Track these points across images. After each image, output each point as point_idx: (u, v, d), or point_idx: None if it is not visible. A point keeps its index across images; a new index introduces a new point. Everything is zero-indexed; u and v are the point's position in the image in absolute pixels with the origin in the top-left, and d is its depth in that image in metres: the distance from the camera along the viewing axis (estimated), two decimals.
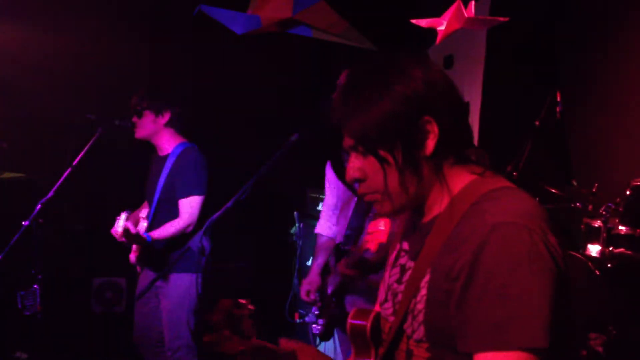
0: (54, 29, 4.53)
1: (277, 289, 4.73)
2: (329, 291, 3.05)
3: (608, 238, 3.46)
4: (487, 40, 4.65)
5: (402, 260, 1.35)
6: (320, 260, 3.25)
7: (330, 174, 3.34)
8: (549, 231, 1.14)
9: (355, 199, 3.04)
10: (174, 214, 3.48)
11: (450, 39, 3.53)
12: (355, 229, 3.00)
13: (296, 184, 5.09)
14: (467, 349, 1.11)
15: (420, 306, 1.22)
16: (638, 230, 3.37)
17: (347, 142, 1.28)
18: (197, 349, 3.46)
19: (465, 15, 3.10)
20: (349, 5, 4.02)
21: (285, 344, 1.42)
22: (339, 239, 3.10)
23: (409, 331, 1.25)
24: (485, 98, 4.60)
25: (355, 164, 1.28)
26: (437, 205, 1.27)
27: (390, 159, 1.23)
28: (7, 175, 4.21)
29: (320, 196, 5.03)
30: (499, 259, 1.10)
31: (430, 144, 1.22)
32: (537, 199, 3.85)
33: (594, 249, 3.53)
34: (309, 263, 4.92)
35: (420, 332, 1.22)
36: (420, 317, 1.21)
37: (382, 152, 1.24)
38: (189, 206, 3.43)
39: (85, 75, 4.60)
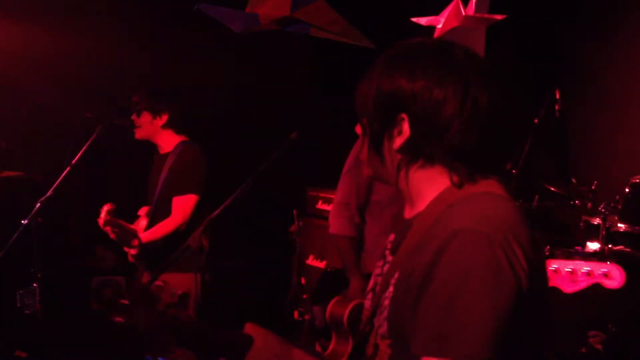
0: (53, 27, 4.53)
1: (276, 287, 4.73)
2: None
3: (607, 236, 3.47)
4: (486, 38, 4.65)
5: (387, 252, 1.38)
6: (357, 262, 2.95)
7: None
8: (515, 244, 1.10)
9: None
10: None
11: (449, 37, 3.52)
12: None
13: (295, 182, 5.08)
14: (415, 352, 1.11)
15: (386, 302, 1.23)
16: (637, 228, 3.37)
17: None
18: None
19: (463, 13, 3.10)
20: (348, 3, 4.01)
21: (250, 329, 1.38)
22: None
23: (376, 325, 1.28)
24: None
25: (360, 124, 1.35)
26: (418, 203, 1.27)
27: (367, 129, 1.29)
28: (7, 174, 4.21)
29: (320, 194, 5.03)
30: (453, 268, 1.08)
31: (398, 141, 1.24)
32: (519, 203, 3.86)
33: (593, 247, 3.54)
34: (308, 261, 4.92)
35: (384, 328, 1.24)
36: (385, 314, 1.23)
37: (364, 120, 1.30)
38: (183, 205, 3.43)
39: (85, 74, 4.60)
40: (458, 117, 1.19)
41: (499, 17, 3.21)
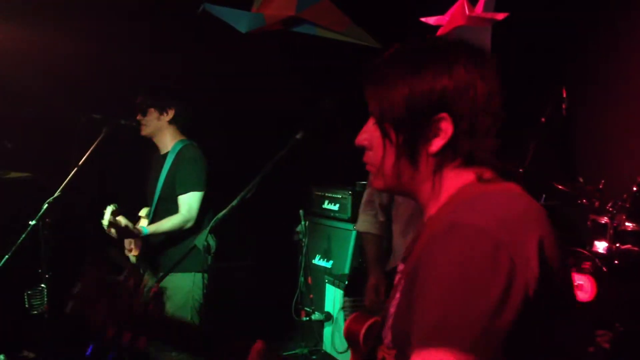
0: (59, 29, 4.54)
1: (283, 287, 4.74)
2: None
3: (615, 234, 3.46)
4: (492, 37, 4.64)
5: (400, 262, 1.31)
6: (378, 259, 3.08)
7: None
8: (527, 243, 1.01)
9: None
10: (174, 211, 3.49)
11: (455, 36, 3.52)
12: None
13: (301, 182, 5.09)
14: (413, 349, 1.01)
15: (391, 310, 1.17)
16: None
17: (369, 105, 1.24)
18: None
19: (467, 12, 3.09)
20: (353, 3, 4.01)
21: (257, 345, 1.33)
22: None
23: (384, 336, 1.20)
24: None
25: (366, 131, 1.25)
26: (433, 205, 1.20)
27: (392, 137, 1.19)
28: (14, 175, 4.23)
29: (326, 194, 5.03)
30: (448, 260, 1.00)
31: (438, 143, 1.15)
32: (543, 200, 3.85)
33: (600, 246, 3.53)
34: (314, 261, 4.92)
35: (389, 338, 1.17)
36: (390, 322, 1.17)
37: (388, 127, 1.19)
38: (188, 202, 3.43)
39: (91, 75, 4.61)
40: (502, 112, 1.16)
41: (501, 16, 3.20)
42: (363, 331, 1.44)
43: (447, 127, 1.14)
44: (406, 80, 1.16)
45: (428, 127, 1.15)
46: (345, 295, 4.08)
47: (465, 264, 0.98)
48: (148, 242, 3.44)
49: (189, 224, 3.41)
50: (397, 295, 1.15)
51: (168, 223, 3.40)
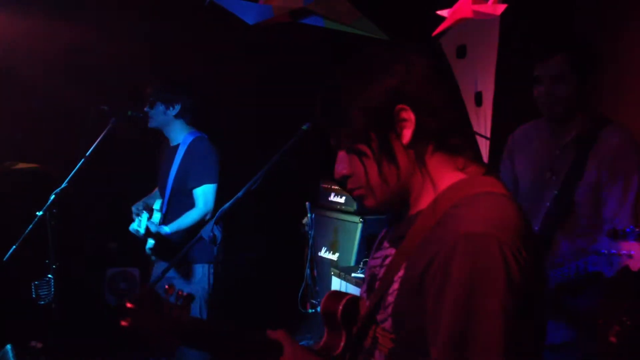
0: (67, 21, 4.56)
1: (289, 279, 4.74)
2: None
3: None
4: (500, 30, 4.62)
5: (386, 244, 1.38)
6: None
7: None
8: (522, 246, 1.12)
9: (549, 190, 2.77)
10: (188, 204, 3.51)
11: (463, 29, 3.51)
12: None
13: (308, 174, 5.08)
14: (433, 357, 1.13)
15: (390, 299, 1.24)
16: None
17: (332, 140, 1.33)
18: None
19: (472, 6, 3.06)
20: None
21: (272, 334, 1.40)
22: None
23: (379, 319, 1.28)
24: (498, 87, 4.58)
25: (341, 161, 1.32)
26: (423, 199, 1.27)
27: (367, 151, 1.26)
28: (21, 165, 4.25)
29: (332, 186, 5.02)
30: (467, 272, 1.09)
31: (407, 133, 1.24)
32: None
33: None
34: (321, 254, 4.92)
35: (388, 323, 1.25)
36: (389, 310, 1.24)
37: (360, 146, 1.27)
38: (203, 195, 3.47)
39: (98, 67, 4.62)
40: (448, 88, 1.27)
41: (500, 9, 3.15)
42: (341, 308, 1.49)
43: (409, 115, 1.23)
44: (353, 98, 1.25)
45: (393, 124, 1.24)
46: None
47: (481, 277, 1.09)
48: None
49: (208, 216, 3.45)
50: (395, 285, 1.23)
51: (188, 219, 3.44)
